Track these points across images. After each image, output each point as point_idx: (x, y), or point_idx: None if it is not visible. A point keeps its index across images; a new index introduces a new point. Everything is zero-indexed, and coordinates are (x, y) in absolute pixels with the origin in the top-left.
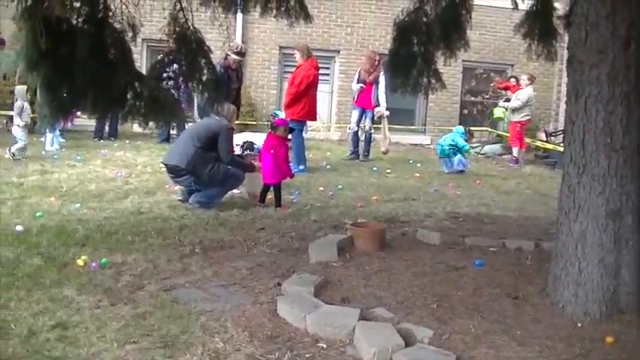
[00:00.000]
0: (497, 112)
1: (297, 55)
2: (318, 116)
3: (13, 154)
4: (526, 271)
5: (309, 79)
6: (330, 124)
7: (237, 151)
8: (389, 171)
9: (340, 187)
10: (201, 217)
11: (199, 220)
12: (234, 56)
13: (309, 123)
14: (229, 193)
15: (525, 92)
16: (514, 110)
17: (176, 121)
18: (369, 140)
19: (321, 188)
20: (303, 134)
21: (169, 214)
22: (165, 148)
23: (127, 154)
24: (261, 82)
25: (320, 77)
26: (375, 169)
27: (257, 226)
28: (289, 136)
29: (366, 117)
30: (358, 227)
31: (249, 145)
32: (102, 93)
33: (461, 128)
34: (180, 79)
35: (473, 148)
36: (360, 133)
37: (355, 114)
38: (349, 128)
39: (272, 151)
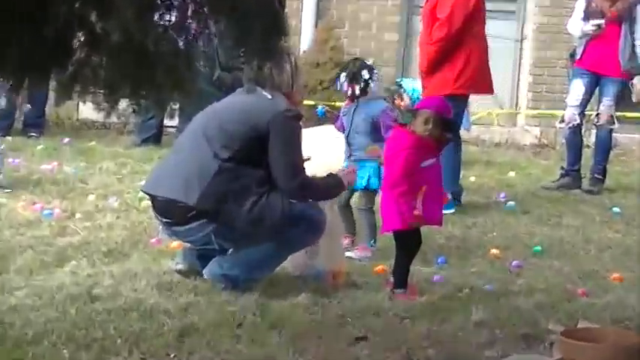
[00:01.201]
0: None
1: None
2: (493, 90)
3: None
4: None
5: (468, 9)
6: (516, 110)
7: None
8: None
9: (537, 249)
10: (228, 309)
11: (222, 318)
12: None
13: (473, 103)
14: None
15: None
16: None
17: (181, 97)
18: (605, 145)
19: (495, 251)
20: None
21: (157, 303)
22: (150, 157)
23: (67, 167)
24: (364, 18)
25: (489, 9)
26: (616, 210)
27: (350, 332)
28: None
29: (602, 93)
30: (578, 340)
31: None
32: (15, 37)
33: None
34: (191, 7)
35: None
36: (584, 129)
37: (578, 87)
38: (562, 120)
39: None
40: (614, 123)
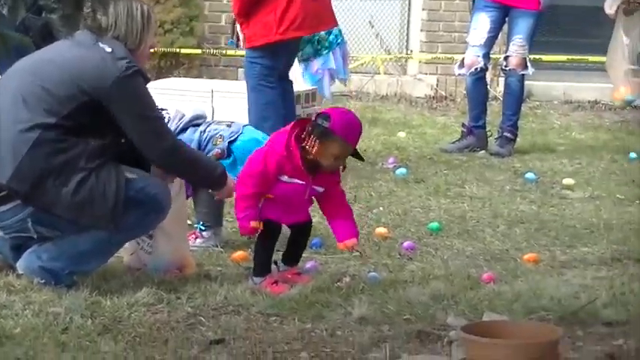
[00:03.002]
0: None
1: None
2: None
3: None
4: None
5: None
6: (406, 55)
7: None
8: (568, 181)
9: (434, 226)
10: (50, 310)
11: (43, 321)
12: None
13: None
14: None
15: None
16: None
17: None
18: (516, 96)
19: (382, 230)
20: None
21: None
22: None
23: None
24: None
25: None
26: (530, 176)
27: (203, 335)
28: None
29: (512, 30)
30: (483, 337)
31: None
32: None
33: None
34: None
35: None
36: (489, 76)
37: (482, 22)
38: (462, 64)
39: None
40: (527, 67)
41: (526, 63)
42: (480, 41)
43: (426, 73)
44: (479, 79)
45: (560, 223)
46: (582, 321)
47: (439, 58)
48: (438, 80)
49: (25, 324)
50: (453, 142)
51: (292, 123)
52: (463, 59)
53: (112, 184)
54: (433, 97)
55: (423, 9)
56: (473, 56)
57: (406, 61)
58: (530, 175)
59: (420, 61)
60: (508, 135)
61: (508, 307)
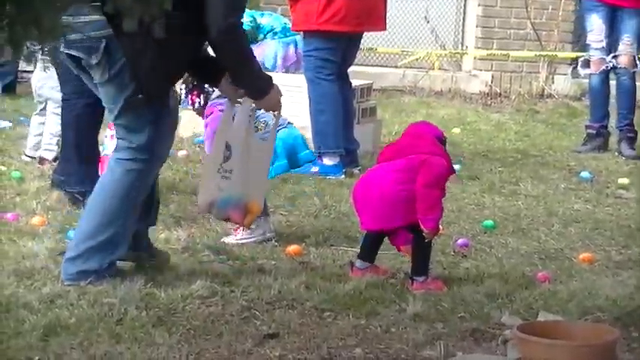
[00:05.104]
0: None
1: None
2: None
3: None
4: None
5: None
6: (462, 50)
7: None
8: (623, 181)
9: (488, 224)
10: (105, 301)
11: (98, 312)
12: None
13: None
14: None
15: None
16: None
17: (40, 35)
18: (630, 93)
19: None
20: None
21: (15, 294)
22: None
23: None
24: None
25: None
26: (585, 174)
27: (257, 328)
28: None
29: (620, 30)
30: (538, 336)
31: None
32: None
33: None
34: None
35: None
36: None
37: (597, 23)
38: (586, 63)
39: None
40: (636, 66)
41: (635, 61)
42: (601, 44)
43: (481, 70)
44: (605, 79)
45: (616, 222)
46: (638, 322)
47: (494, 55)
48: (492, 77)
49: (79, 314)
50: (584, 144)
51: (433, 143)
52: (586, 60)
53: (174, 59)
54: (487, 94)
55: (479, 5)
56: (598, 58)
57: (461, 56)
58: (585, 174)
59: (475, 57)
60: (630, 135)
61: (563, 307)
